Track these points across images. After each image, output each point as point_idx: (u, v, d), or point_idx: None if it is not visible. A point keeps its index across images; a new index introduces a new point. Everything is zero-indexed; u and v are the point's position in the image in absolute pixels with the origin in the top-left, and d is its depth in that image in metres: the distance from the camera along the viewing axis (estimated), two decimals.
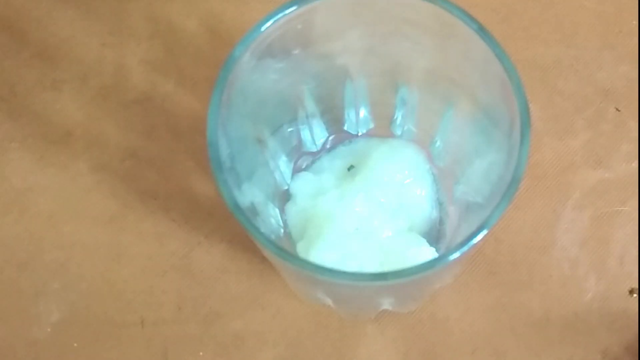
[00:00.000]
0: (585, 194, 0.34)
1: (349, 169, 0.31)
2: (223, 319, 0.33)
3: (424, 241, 0.30)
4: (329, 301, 0.29)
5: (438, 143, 0.30)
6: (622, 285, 0.33)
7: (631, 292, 0.33)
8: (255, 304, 0.33)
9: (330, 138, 0.33)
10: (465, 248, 0.21)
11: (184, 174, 0.35)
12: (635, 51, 0.36)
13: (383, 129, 0.32)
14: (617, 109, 0.36)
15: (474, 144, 0.28)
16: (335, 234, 0.29)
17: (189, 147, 0.35)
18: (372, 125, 0.32)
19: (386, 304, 0.30)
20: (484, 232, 0.21)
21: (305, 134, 0.32)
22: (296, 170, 0.32)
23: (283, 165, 0.31)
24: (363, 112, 0.32)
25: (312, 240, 0.29)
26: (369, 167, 0.31)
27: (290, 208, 0.31)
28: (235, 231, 0.33)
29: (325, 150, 0.33)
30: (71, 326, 0.33)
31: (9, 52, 0.37)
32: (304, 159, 0.32)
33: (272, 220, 0.30)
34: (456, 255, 0.21)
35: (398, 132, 0.32)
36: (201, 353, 0.32)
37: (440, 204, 0.31)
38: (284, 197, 0.31)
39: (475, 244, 0.21)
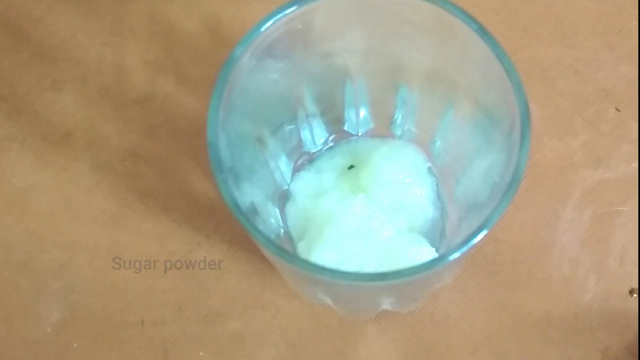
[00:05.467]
0: (585, 194, 0.34)
1: (349, 168, 0.31)
2: (223, 319, 0.33)
3: (424, 241, 0.30)
4: (329, 301, 0.29)
5: (438, 143, 0.30)
6: (622, 285, 0.33)
7: (631, 292, 0.33)
8: (255, 304, 0.33)
9: (330, 138, 0.33)
10: (465, 248, 0.21)
11: (184, 174, 0.35)
12: (635, 51, 0.36)
13: (383, 129, 0.32)
14: (617, 109, 0.36)
15: (474, 144, 0.28)
16: (335, 234, 0.29)
17: (189, 147, 0.35)
18: (372, 125, 0.32)
19: (386, 304, 0.30)
20: (484, 232, 0.21)
21: (305, 134, 0.31)
22: (296, 170, 0.32)
23: (283, 165, 0.31)
24: (363, 112, 0.32)
25: (312, 240, 0.29)
26: (369, 167, 0.31)
27: (290, 208, 0.31)
28: (235, 231, 0.33)
29: (325, 149, 0.33)
30: (71, 326, 0.33)
31: (9, 52, 0.37)
32: (304, 159, 0.32)
33: (272, 220, 0.30)
34: (456, 255, 0.21)
35: (398, 132, 0.32)
36: (201, 353, 0.32)
37: (440, 204, 0.31)
38: (284, 197, 0.31)
39: (475, 244, 0.21)
